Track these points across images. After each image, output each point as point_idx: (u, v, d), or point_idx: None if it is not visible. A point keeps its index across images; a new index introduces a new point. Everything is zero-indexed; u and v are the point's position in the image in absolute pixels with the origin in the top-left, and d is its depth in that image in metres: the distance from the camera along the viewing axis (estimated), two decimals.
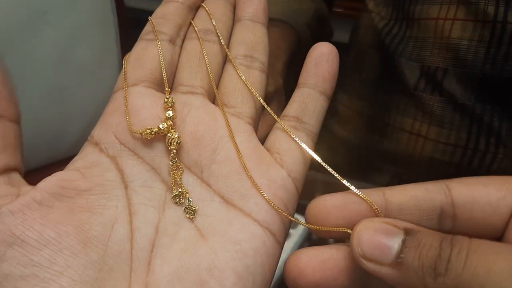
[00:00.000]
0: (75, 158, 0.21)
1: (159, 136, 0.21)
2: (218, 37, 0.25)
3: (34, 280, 0.17)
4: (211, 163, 0.21)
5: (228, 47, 0.25)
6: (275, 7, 0.53)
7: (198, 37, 0.25)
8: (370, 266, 0.17)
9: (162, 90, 0.23)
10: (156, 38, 0.24)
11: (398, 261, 0.16)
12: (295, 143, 0.22)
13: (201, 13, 0.26)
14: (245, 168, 0.21)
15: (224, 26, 0.25)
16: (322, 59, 0.23)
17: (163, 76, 0.23)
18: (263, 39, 0.25)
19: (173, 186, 0.21)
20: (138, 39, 0.24)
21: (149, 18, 0.25)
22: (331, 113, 0.56)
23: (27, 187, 0.19)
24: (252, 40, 0.25)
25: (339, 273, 0.19)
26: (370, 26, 0.51)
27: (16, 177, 0.19)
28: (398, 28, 0.46)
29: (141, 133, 0.21)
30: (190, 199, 0.21)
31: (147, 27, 0.24)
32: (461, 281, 0.15)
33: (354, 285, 0.19)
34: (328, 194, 0.19)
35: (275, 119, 0.23)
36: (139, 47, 0.24)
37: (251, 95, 0.24)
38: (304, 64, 0.23)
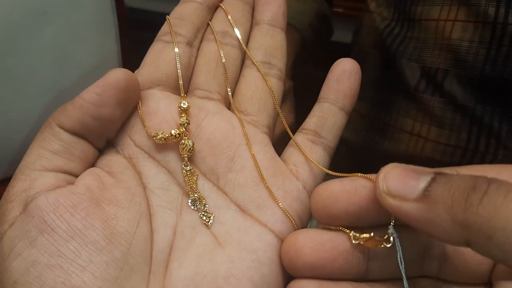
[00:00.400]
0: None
1: (173, 141, 0.21)
2: (237, 40, 0.24)
3: (58, 271, 0.17)
4: (227, 171, 0.21)
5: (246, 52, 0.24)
6: None
7: (216, 40, 0.24)
8: (393, 203, 0.16)
9: (178, 93, 0.23)
10: (173, 41, 0.23)
11: (425, 194, 0.15)
12: (313, 156, 0.22)
13: (219, 13, 0.25)
14: (262, 179, 0.21)
15: (242, 28, 0.25)
16: (344, 75, 0.23)
17: (179, 80, 0.23)
18: (282, 45, 0.25)
19: (189, 191, 0.21)
20: (155, 39, 0.24)
21: (167, 17, 0.24)
22: None
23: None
24: (271, 46, 0.24)
25: (337, 256, 0.18)
26: (372, 27, 0.51)
27: (70, 179, 0.19)
28: (400, 29, 0.46)
29: (153, 137, 0.21)
30: (207, 205, 0.21)
31: (165, 28, 0.24)
32: (500, 213, 0.14)
33: (352, 269, 0.18)
34: (335, 179, 0.19)
35: (288, 119, 0.23)
36: (155, 48, 0.23)
37: (267, 103, 0.23)
38: (326, 79, 0.23)
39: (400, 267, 0.17)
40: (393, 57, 0.46)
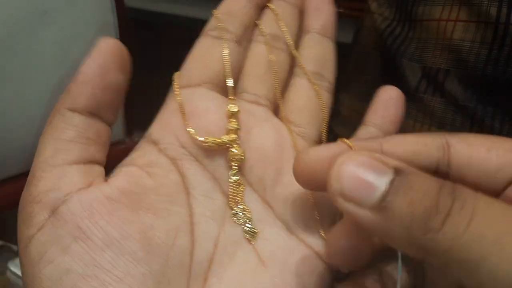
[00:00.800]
0: (133, 155, 0.20)
1: (223, 147, 0.20)
2: (286, 44, 0.24)
3: (94, 281, 0.16)
4: (275, 184, 0.20)
5: (296, 61, 0.24)
6: None
7: (266, 42, 0.23)
8: (347, 206, 0.14)
9: (224, 93, 0.22)
10: (221, 37, 0.22)
11: (382, 205, 0.14)
12: None
13: (267, 14, 0.24)
14: (311, 200, 0.20)
15: (291, 33, 0.24)
16: (390, 103, 0.23)
17: (227, 80, 0.21)
18: (332, 56, 0.24)
19: (232, 203, 0.19)
20: (202, 34, 0.23)
21: (213, 12, 0.23)
22: (334, 114, 0.56)
23: (101, 179, 0.18)
24: (322, 56, 0.24)
25: None
26: (373, 27, 0.50)
27: (97, 169, 0.19)
28: (401, 29, 0.46)
29: (204, 142, 0.19)
30: (251, 220, 0.19)
31: (212, 22, 0.23)
32: (460, 244, 0.13)
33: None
34: (318, 146, 0.18)
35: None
36: (203, 44, 0.22)
37: (317, 117, 0.23)
38: (373, 104, 0.23)
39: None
40: (393, 57, 0.46)
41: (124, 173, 0.19)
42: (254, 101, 0.22)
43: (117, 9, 0.50)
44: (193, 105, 0.20)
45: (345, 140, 0.17)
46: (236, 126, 0.20)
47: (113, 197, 0.17)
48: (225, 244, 0.19)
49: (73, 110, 0.18)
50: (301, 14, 0.25)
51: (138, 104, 0.58)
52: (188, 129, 0.20)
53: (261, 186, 0.20)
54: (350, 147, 0.17)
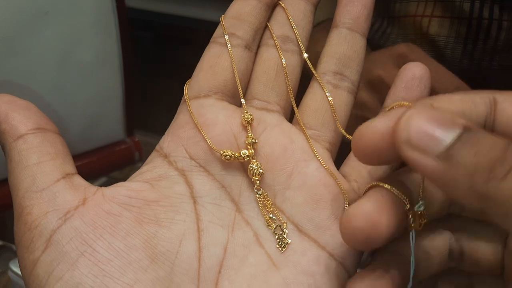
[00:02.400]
0: (142, 168, 0.21)
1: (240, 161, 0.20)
2: (298, 46, 0.23)
3: None
4: (285, 188, 0.20)
5: (319, 59, 0.23)
6: None
7: (276, 46, 0.22)
8: (412, 155, 0.14)
9: (234, 102, 0.22)
10: (227, 43, 0.22)
11: (447, 153, 0.14)
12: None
13: (277, 14, 0.23)
14: (321, 198, 0.20)
15: (303, 32, 0.23)
16: (413, 83, 0.21)
17: (237, 88, 0.21)
18: (359, 53, 0.23)
19: (267, 217, 0.20)
20: (211, 41, 0.22)
21: (221, 18, 0.23)
22: None
23: (92, 188, 0.19)
24: (346, 54, 0.22)
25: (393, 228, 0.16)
26: None
27: (78, 180, 0.19)
28: (379, 24, 0.47)
29: (221, 155, 0.20)
30: (286, 230, 0.20)
31: (220, 28, 0.22)
32: None
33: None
34: (376, 118, 0.17)
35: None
36: (212, 52, 0.22)
37: (333, 118, 0.22)
38: (393, 85, 0.21)
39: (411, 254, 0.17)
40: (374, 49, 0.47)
41: (121, 187, 0.19)
42: (264, 107, 0.22)
43: (118, 9, 0.50)
44: (203, 116, 0.21)
45: (403, 102, 0.17)
46: (253, 141, 0.20)
47: (114, 211, 0.18)
48: (234, 249, 0.19)
49: (21, 136, 0.19)
50: (315, 8, 0.24)
51: (138, 104, 0.58)
52: (208, 141, 0.20)
53: (271, 192, 0.21)
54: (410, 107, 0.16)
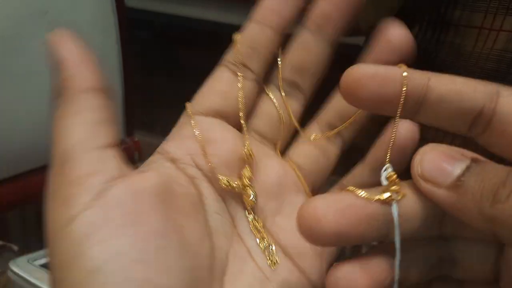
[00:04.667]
0: (144, 169, 0.21)
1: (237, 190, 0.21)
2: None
3: (142, 267, 0.16)
4: (275, 214, 0.22)
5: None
6: None
7: (280, 90, 0.23)
8: (426, 187, 0.16)
9: (234, 126, 0.22)
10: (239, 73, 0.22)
11: (457, 184, 0.16)
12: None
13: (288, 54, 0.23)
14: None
15: (317, 71, 0.23)
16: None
17: (239, 117, 0.22)
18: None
19: (260, 238, 0.21)
20: (222, 62, 0.22)
21: (236, 39, 0.22)
22: None
23: (128, 167, 0.19)
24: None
25: (359, 222, 0.17)
26: None
27: (120, 153, 0.19)
28: (432, 32, 0.45)
29: (222, 182, 0.21)
30: (273, 252, 0.21)
31: (234, 54, 0.22)
32: None
33: (373, 233, 0.17)
34: (364, 64, 0.17)
35: None
36: (223, 77, 0.22)
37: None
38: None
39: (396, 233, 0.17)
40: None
41: (157, 175, 0.19)
42: (261, 141, 0.23)
43: (118, 9, 0.50)
44: (205, 134, 0.21)
45: (401, 65, 0.17)
46: (250, 175, 0.21)
47: (153, 192, 0.18)
48: (234, 258, 0.20)
49: (85, 91, 0.19)
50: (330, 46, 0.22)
51: (138, 104, 0.58)
52: (209, 164, 0.21)
53: (262, 215, 0.22)
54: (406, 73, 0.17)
